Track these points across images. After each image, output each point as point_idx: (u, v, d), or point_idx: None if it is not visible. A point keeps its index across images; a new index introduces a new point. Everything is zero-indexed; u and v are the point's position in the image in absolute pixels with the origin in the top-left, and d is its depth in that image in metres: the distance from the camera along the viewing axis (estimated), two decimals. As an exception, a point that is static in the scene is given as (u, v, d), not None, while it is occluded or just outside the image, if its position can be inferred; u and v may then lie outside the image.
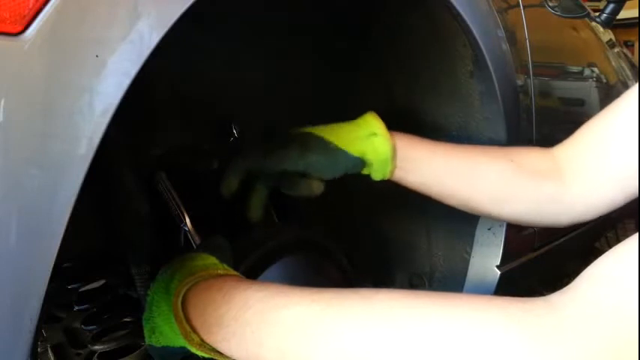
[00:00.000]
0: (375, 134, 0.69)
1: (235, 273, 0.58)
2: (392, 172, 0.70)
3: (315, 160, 0.67)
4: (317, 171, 0.69)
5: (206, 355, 0.52)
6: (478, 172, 0.71)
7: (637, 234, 0.38)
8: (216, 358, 0.52)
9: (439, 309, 0.42)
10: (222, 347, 0.50)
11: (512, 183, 0.71)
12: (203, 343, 0.51)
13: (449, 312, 0.42)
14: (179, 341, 0.52)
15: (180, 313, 0.52)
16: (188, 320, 0.52)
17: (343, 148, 0.68)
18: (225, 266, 0.59)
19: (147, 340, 0.55)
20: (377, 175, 0.71)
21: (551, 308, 0.39)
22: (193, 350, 0.52)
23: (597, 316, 0.36)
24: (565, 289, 0.40)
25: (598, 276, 0.39)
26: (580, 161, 0.69)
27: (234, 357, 0.50)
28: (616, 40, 1.65)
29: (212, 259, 0.59)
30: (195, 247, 0.74)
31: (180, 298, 0.53)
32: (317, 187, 0.70)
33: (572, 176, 0.69)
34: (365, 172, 0.71)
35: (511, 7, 0.93)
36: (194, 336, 0.51)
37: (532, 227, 0.97)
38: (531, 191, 0.71)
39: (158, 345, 0.54)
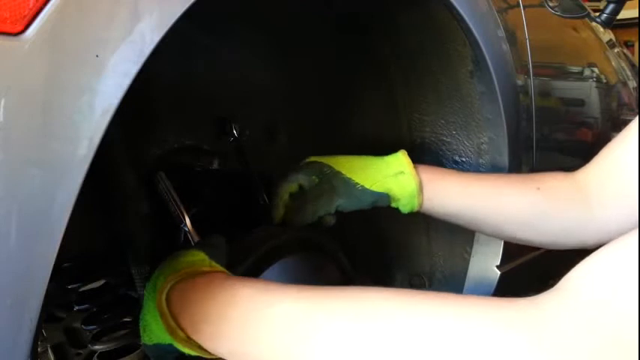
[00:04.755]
0: (402, 172, 0.73)
1: (222, 269, 0.58)
2: (420, 205, 0.74)
3: (344, 203, 0.73)
4: (345, 210, 0.73)
5: (193, 353, 0.52)
6: (505, 202, 0.73)
7: (626, 235, 0.38)
8: (203, 355, 0.52)
9: (426, 305, 0.42)
10: (209, 345, 0.50)
11: (540, 211, 0.72)
12: (189, 340, 0.51)
13: (436, 309, 0.42)
14: (166, 338, 0.52)
15: (165, 310, 0.52)
16: (174, 317, 0.52)
17: (369, 187, 0.73)
18: (213, 263, 0.58)
19: (141, 338, 0.55)
20: (405, 209, 0.75)
21: (537, 308, 0.39)
22: (180, 347, 0.52)
23: (581, 316, 0.36)
24: (552, 289, 0.40)
25: (583, 276, 0.39)
26: (603, 185, 0.69)
27: (220, 354, 0.50)
28: (616, 40, 1.64)
29: (200, 255, 0.58)
30: (194, 247, 0.74)
31: (164, 295, 0.53)
32: (329, 220, 0.75)
33: (596, 201, 0.70)
34: (393, 205, 0.75)
35: (511, 7, 0.93)
36: (180, 332, 0.51)
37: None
38: (558, 218, 0.72)
39: (150, 343, 0.54)
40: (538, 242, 0.77)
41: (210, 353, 0.51)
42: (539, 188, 0.72)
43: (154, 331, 0.53)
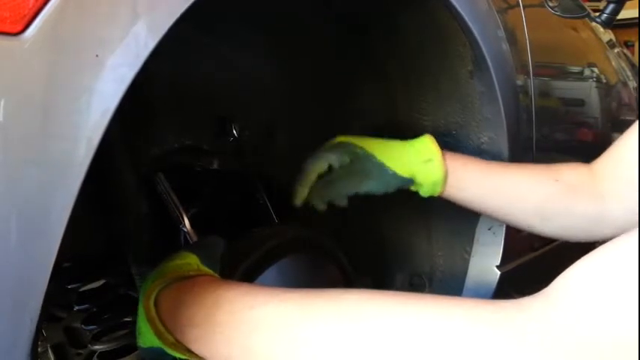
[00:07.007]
0: (430, 160, 0.73)
1: (209, 272, 0.58)
2: (441, 193, 0.75)
3: (374, 186, 0.74)
4: (371, 192, 0.74)
5: (181, 356, 0.52)
6: (522, 194, 0.74)
7: (616, 239, 0.38)
8: (191, 358, 0.52)
9: (408, 306, 0.42)
10: (194, 347, 0.50)
11: (558, 203, 0.73)
12: (177, 343, 0.52)
13: (418, 309, 0.42)
14: (155, 341, 0.53)
15: (153, 314, 0.53)
16: (162, 321, 0.53)
17: (399, 172, 0.74)
18: (201, 266, 0.58)
19: (137, 342, 0.56)
20: (426, 194, 0.76)
21: (521, 310, 0.38)
22: (169, 351, 0.52)
23: (564, 319, 0.36)
24: (539, 292, 0.40)
25: (570, 279, 0.38)
26: (614, 176, 0.70)
27: (205, 357, 0.50)
28: (616, 40, 1.64)
29: (190, 258, 0.58)
30: (193, 247, 0.74)
31: (151, 299, 0.54)
32: (343, 203, 0.76)
33: (611, 193, 0.70)
34: (414, 189, 0.76)
35: (511, 7, 0.93)
36: (168, 335, 0.52)
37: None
38: (576, 210, 0.72)
39: (144, 346, 0.54)
40: (551, 232, 0.77)
41: (198, 356, 0.51)
42: (557, 180, 0.73)
43: (145, 334, 0.54)
